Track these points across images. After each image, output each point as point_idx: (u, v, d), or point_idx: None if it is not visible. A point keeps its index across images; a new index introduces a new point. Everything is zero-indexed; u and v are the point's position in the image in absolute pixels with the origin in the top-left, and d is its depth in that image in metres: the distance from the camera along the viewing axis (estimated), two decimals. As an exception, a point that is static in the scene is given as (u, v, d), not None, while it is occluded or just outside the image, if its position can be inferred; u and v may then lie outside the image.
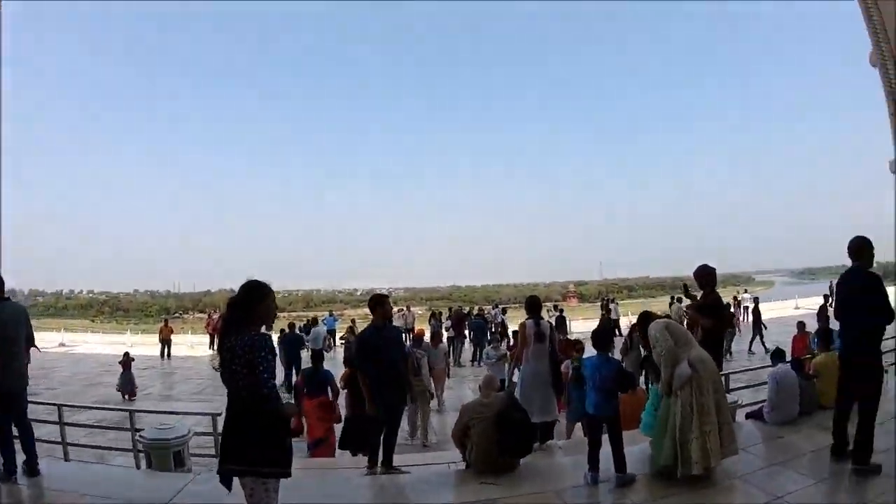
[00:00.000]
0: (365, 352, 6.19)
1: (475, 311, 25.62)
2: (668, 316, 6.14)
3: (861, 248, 5.23)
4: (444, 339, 15.99)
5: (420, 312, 35.69)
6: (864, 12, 9.05)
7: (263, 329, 3.71)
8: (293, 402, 8.02)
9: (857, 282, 5.24)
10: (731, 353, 17.12)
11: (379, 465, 6.25)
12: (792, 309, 27.71)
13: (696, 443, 4.88)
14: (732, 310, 20.13)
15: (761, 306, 19.42)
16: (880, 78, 10.15)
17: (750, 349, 17.84)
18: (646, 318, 5.87)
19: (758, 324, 18.40)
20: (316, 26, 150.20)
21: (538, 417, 6.75)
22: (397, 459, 6.43)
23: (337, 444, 8.03)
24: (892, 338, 10.49)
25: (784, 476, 5.24)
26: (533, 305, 7.41)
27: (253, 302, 3.62)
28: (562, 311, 24.25)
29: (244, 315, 3.58)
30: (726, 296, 25.35)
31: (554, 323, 12.79)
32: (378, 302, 6.44)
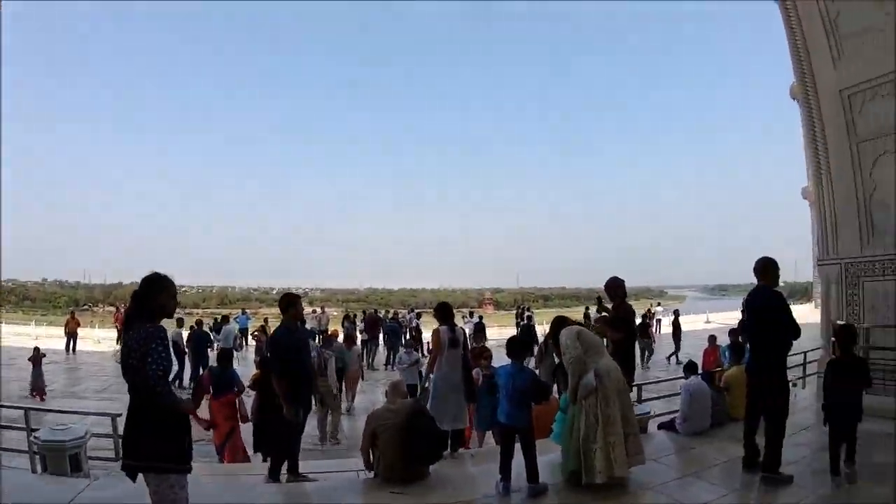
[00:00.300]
0: (280, 354, 5.82)
1: (390, 315, 25.34)
2: (581, 323, 6.04)
3: (766, 268, 5.42)
4: (359, 342, 15.72)
5: (336, 314, 35.04)
6: (791, 46, 9.43)
7: (172, 322, 3.38)
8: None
9: (761, 300, 5.42)
10: (647, 364, 17.60)
11: (285, 471, 5.89)
12: (703, 323, 28.75)
13: (601, 452, 4.87)
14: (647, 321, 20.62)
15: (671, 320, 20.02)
16: (800, 111, 10.63)
17: (669, 359, 18.17)
18: (559, 323, 5.74)
19: (678, 335, 18.95)
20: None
21: (449, 425, 6.53)
22: (305, 466, 6.11)
23: (248, 447, 7.58)
24: (800, 353, 10.99)
25: (696, 486, 5.22)
26: (444, 312, 7.13)
27: (152, 295, 3.54)
28: (481, 317, 24.24)
29: (144, 308, 3.52)
30: (641, 308, 26.43)
31: (473, 329, 12.73)
32: (290, 302, 6.08)
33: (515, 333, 20.04)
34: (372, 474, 5.55)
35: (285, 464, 5.96)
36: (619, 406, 5.02)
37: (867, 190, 8.53)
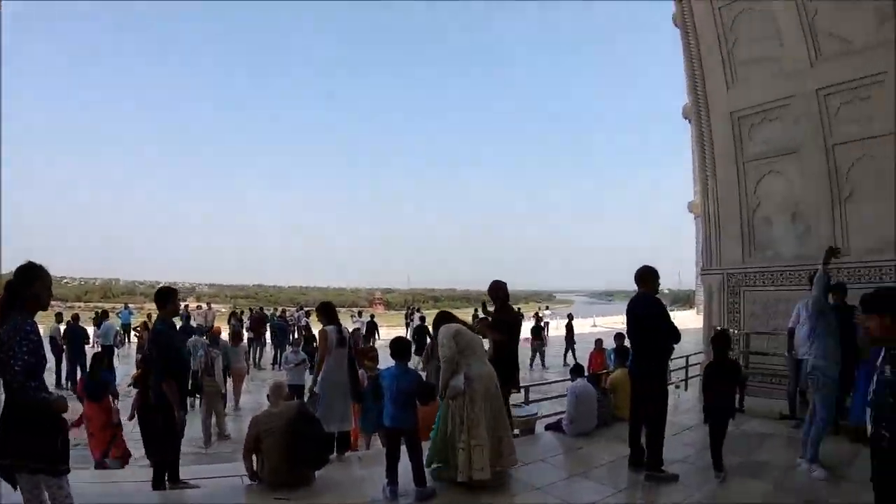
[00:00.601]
0: (163, 353, 5.22)
1: (277, 313, 24.24)
2: (466, 323, 5.95)
3: (645, 276, 5.57)
4: (245, 340, 15.07)
5: (223, 310, 33.31)
6: (688, 70, 9.93)
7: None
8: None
9: (642, 307, 5.55)
10: (543, 365, 18.16)
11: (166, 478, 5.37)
12: (590, 326, 29.80)
13: (462, 454, 4.88)
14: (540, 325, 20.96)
15: (562, 322, 20.48)
16: (692, 130, 11.19)
17: (566, 361, 18.35)
18: (442, 318, 5.64)
19: (570, 337, 19.42)
20: None
21: (336, 426, 6.24)
22: (188, 472, 5.62)
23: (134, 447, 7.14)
24: (683, 357, 11.55)
25: (584, 486, 5.24)
26: (328, 311, 6.77)
27: (26, 284, 3.38)
28: (372, 316, 24.05)
29: (17, 299, 3.34)
30: (530, 311, 27.03)
31: (365, 329, 12.52)
32: (167, 296, 5.43)
33: (405, 334, 20.01)
34: (256, 481, 5.20)
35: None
36: (488, 410, 5.00)
37: (751, 206, 9.11)
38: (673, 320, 5.56)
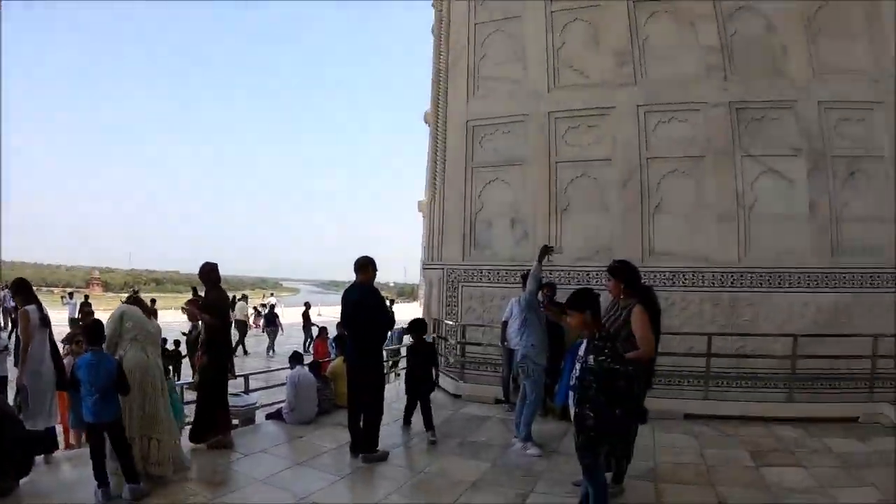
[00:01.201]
0: None
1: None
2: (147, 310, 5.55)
3: (364, 266, 5.79)
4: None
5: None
6: (434, 78, 10.42)
7: None
8: None
9: (358, 295, 5.75)
10: (272, 352, 17.62)
11: None
12: (316, 315, 29.64)
13: (136, 446, 4.64)
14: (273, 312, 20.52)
15: (290, 310, 20.14)
16: (430, 134, 11.82)
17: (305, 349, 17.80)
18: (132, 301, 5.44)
19: (308, 326, 19.30)
20: None
21: (44, 422, 5.20)
22: None
23: None
24: (405, 346, 11.94)
25: (307, 474, 5.12)
26: (24, 289, 5.66)
27: None
28: (87, 297, 21.72)
29: None
30: (256, 299, 26.09)
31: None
32: None
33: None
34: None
35: None
36: (141, 404, 4.74)
37: (475, 209, 9.83)
38: (392, 309, 5.75)
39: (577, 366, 3.81)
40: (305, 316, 19.85)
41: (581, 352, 3.81)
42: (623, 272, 4.81)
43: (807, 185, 8.32)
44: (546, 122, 9.37)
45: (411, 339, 6.95)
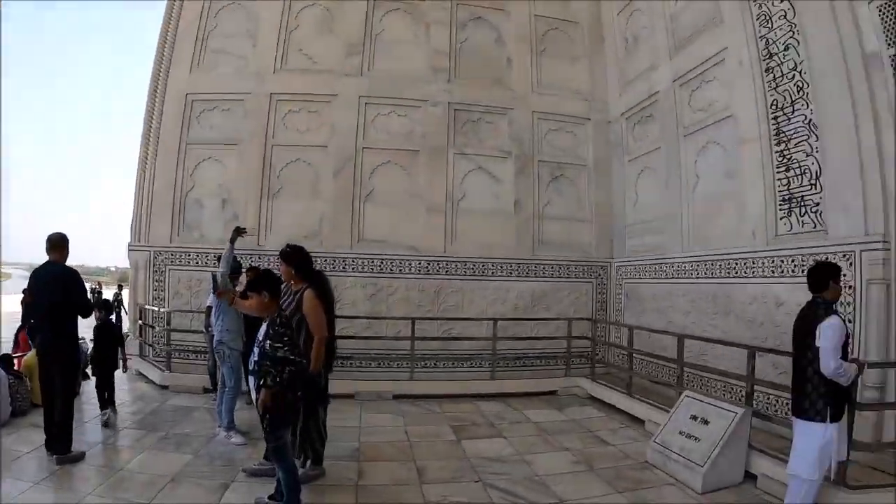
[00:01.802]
0: None
1: None
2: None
3: (57, 242, 5.06)
4: None
5: None
6: (159, 46, 9.51)
7: None
8: None
9: (48, 275, 5.01)
10: None
11: None
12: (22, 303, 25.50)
13: None
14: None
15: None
16: (146, 104, 10.84)
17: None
18: None
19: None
20: None
21: None
22: None
23: None
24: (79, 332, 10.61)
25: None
26: None
27: None
28: None
29: None
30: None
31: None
32: None
33: None
34: None
35: None
36: None
37: (186, 187, 9.27)
38: (91, 294, 5.04)
39: (256, 350, 3.77)
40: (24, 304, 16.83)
41: (260, 336, 3.77)
42: (294, 257, 4.75)
43: (514, 185, 9.52)
44: (267, 103, 9.26)
45: (96, 319, 6.35)
